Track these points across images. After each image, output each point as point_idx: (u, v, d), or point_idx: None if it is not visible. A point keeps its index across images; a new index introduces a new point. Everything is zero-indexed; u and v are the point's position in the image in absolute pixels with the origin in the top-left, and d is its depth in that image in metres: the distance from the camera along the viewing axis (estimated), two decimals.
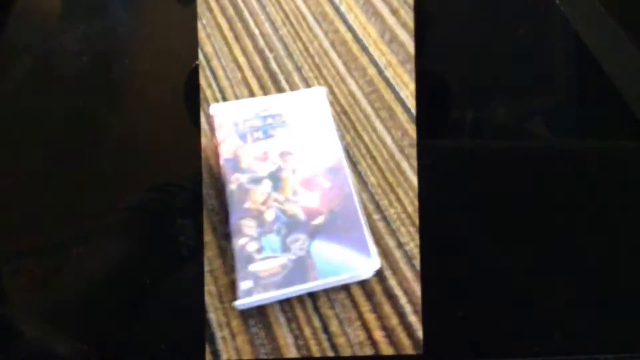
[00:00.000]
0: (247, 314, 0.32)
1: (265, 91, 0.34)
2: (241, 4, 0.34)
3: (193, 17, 0.33)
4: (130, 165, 0.32)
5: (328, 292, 0.31)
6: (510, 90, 0.33)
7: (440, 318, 0.31)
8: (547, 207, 0.32)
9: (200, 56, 0.34)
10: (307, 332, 0.31)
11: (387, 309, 0.31)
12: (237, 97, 0.34)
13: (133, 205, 0.32)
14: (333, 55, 0.34)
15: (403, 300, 0.31)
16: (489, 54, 0.33)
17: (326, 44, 0.34)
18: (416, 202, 0.32)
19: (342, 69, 0.34)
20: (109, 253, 0.32)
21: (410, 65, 0.33)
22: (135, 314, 0.32)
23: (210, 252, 0.32)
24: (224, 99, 0.34)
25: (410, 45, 0.34)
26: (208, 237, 0.32)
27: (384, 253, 0.32)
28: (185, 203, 0.32)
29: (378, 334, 0.31)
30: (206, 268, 0.32)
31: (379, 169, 0.33)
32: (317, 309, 0.31)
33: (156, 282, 0.32)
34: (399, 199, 0.32)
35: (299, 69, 0.34)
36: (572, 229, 0.32)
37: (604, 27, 0.33)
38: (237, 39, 0.35)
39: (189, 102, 0.32)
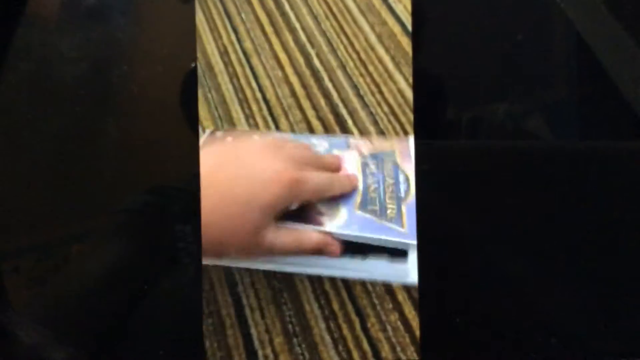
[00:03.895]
0: None
1: (307, 90, 0.32)
2: None
3: (192, 21, 0.32)
4: (130, 168, 0.32)
5: None
6: (510, 90, 0.32)
7: (437, 323, 0.31)
8: (548, 208, 0.31)
9: (241, 53, 0.32)
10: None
11: (383, 314, 0.30)
12: (277, 96, 0.32)
13: (130, 208, 0.32)
14: (380, 50, 0.32)
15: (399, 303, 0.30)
16: (488, 52, 0.33)
17: (373, 38, 0.32)
18: None
19: (390, 65, 0.32)
20: (106, 257, 0.31)
21: None
22: (133, 320, 0.31)
23: None
24: (264, 98, 0.32)
25: None
26: None
27: None
28: (183, 207, 0.31)
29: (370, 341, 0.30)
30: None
31: None
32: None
33: (154, 288, 0.31)
34: None
35: (343, 66, 0.32)
36: (572, 231, 0.31)
37: (605, 25, 0.32)
38: (278, 34, 0.32)
39: (186, 104, 0.31)
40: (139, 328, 0.31)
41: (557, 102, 0.33)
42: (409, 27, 0.32)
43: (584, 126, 0.33)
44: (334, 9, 0.32)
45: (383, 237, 0.30)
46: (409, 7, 0.32)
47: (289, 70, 0.32)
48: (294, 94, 0.32)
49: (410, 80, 0.32)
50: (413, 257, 0.30)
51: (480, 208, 0.31)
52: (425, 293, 0.30)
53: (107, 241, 0.32)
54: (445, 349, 0.31)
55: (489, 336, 0.31)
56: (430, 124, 0.32)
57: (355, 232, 0.30)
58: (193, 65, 0.31)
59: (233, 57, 0.32)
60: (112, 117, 0.32)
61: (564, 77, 0.33)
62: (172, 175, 0.32)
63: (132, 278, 0.31)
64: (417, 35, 0.32)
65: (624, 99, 0.32)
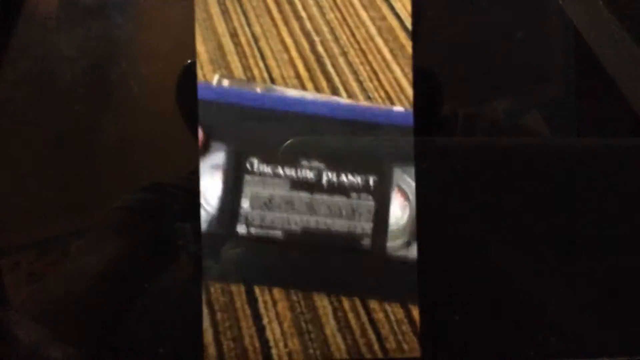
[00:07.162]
0: None
1: (310, 73, 0.34)
2: None
3: (191, 18, 0.33)
4: (129, 165, 0.32)
5: None
6: (509, 87, 0.33)
7: (437, 321, 0.30)
8: (546, 206, 0.31)
9: (249, 36, 0.34)
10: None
11: (383, 311, 0.31)
12: (283, 78, 0.34)
13: (129, 205, 0.32)
14: (379, 42, 0.35)
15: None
16: (488, 50, 0.33)
17: (373, 31, 0.35)
18: None
19: (388, 55, 0.35)
20: (105, 254, 0.31)
21: None
22: (132, 318, 0.31)
23: None
24: (270, 78, 0.34)
25: None
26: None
27: None
28: (183, 205, 0.31)
29: (374, 337, 0.31)
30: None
31: None
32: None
33: (154, 285, 0.31)
34: None
35: (344, 54, 0.34)
36: (571, 230, 0.31)
37: (604, 23, 0.32)
38: (285, 21, 0.35)
39: (183, 99, 0.32)
40: (138, 325, 0.31)
41: (555, 99, 0.33)
42: (407, 23, 0.35)
43: (582, 123, 0.33)
44: (339, 2, 0.35)
45: None
46: (408, 5, 0.35)
47: (294, 54, 0.34)
48: (298, 75, 0.34)
49: (406, 70, 0.34)
50: None
51: (480, 205, 0.31)
52: (425, 291, 0.30)
53: (106, 238, 0.31)
54: (445, 348, 0.31)
55: (489, 335, 0.31)
56: (429, 121, 0.32)
57: None
58: (189, 61, 0.32)
59: (242, 39, 0.34)
60: (111, 115, 0.32)
61: (563, 74, 0.33)
62: (171, 172, 0.32)
63: (131, 275, 0.31)
64: (416, 32, 0.33)
65: (622, 97, 0.31)
